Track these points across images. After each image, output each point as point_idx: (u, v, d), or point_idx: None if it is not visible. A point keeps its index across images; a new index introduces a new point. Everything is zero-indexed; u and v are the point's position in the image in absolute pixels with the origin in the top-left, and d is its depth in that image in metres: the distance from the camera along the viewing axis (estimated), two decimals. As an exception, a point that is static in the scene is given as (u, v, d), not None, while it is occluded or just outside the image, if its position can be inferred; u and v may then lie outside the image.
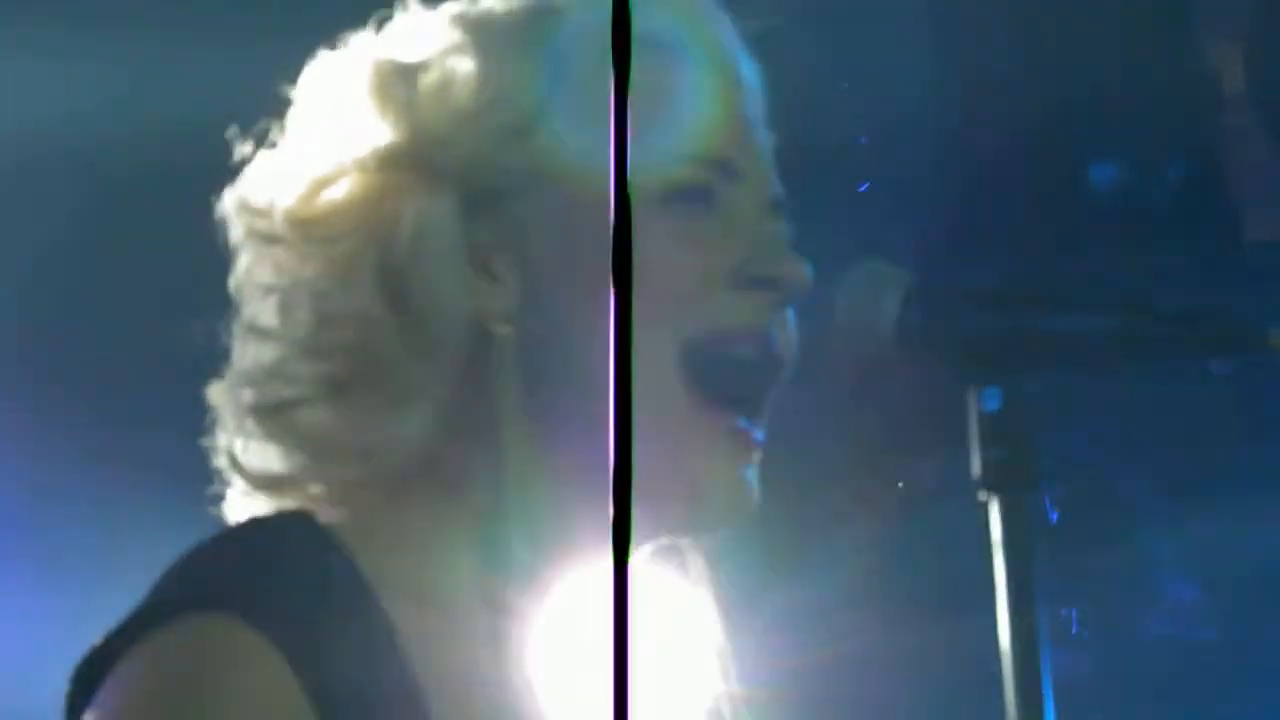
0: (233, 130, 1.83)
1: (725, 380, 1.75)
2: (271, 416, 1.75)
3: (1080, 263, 3.79)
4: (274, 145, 1.82)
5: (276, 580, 1.64)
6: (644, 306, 1.78)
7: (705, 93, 1.81)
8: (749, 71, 1.85)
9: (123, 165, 3.75)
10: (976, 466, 1.86)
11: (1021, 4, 3.95)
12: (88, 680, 1.64)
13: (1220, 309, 1.84)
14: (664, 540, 1.83)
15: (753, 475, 1.76)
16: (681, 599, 1.88)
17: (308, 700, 1.59)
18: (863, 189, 4.17)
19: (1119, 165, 4.14)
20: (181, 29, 3.69)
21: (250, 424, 1.76)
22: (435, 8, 1.82)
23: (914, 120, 3.93)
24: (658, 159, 1.76)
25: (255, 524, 1.73)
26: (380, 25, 1.83)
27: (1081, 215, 3.96)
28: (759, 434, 1.78)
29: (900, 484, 3.95)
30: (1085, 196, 4.04)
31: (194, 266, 1.76)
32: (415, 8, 1.82)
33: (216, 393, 1.79)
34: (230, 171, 1.81)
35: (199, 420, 1.81)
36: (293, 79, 1.83)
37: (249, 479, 1.77)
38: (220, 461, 1.79)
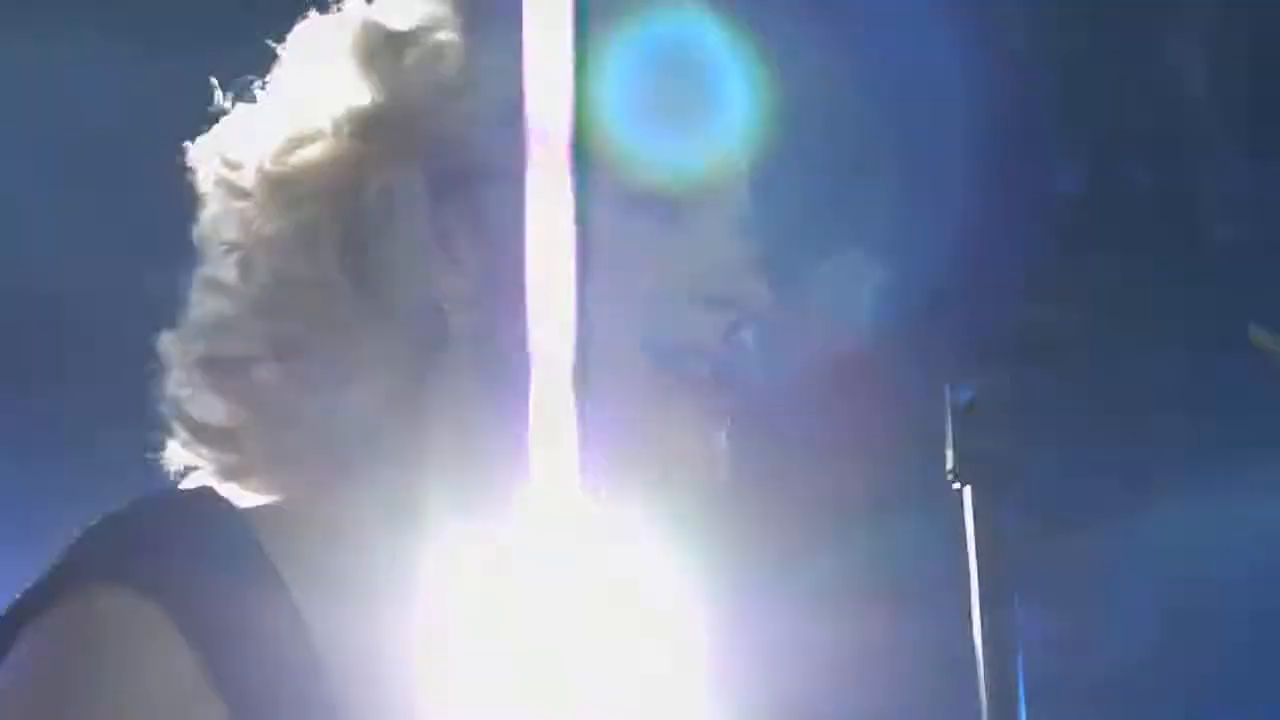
0: (213, 83, 1.81)
1: (685, 369, 1.75)
2: (221, 370, 1.74)
3: (1049, 261, 3.80)
4: (256, 100, 1.80)
5: (179, 555, 1.63)
6: (606, 305, 1.78)
7: (690, 109, 1.79)
8: (739, 91, 1.84)
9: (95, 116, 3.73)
10: (950, 459, 1.86)
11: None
12: None
13: (1190, 306, 1.85)
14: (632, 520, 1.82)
15: (723, 441, 1.76)
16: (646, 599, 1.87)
17: (208, 677, 1.59)
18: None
19: (1086, 166, 4.16)
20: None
21: (199, 376, 1.75)
22: None
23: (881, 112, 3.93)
24: (631, 165, 1.75)
25: (157, 500, 1.72)
26: None
27: (1049, 214, 3.97)
28: (725, 400, 1.76)
29: (863, 480, 3.95)
30: (1053, 196, 4.06)
31: (161, 221, 1.74)
32: None
33: (168, 342, 1.78)
34: (206, 124, 1.80)
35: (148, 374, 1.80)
36: (282, 38, 1.82)
37: (191, 429, 1.76)
38: (165, 409, 1.77)
